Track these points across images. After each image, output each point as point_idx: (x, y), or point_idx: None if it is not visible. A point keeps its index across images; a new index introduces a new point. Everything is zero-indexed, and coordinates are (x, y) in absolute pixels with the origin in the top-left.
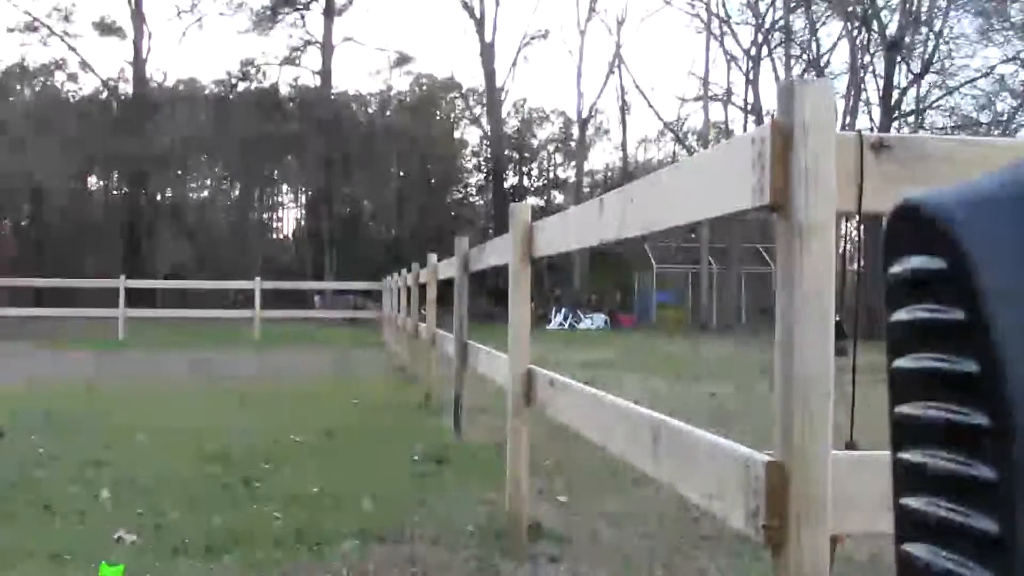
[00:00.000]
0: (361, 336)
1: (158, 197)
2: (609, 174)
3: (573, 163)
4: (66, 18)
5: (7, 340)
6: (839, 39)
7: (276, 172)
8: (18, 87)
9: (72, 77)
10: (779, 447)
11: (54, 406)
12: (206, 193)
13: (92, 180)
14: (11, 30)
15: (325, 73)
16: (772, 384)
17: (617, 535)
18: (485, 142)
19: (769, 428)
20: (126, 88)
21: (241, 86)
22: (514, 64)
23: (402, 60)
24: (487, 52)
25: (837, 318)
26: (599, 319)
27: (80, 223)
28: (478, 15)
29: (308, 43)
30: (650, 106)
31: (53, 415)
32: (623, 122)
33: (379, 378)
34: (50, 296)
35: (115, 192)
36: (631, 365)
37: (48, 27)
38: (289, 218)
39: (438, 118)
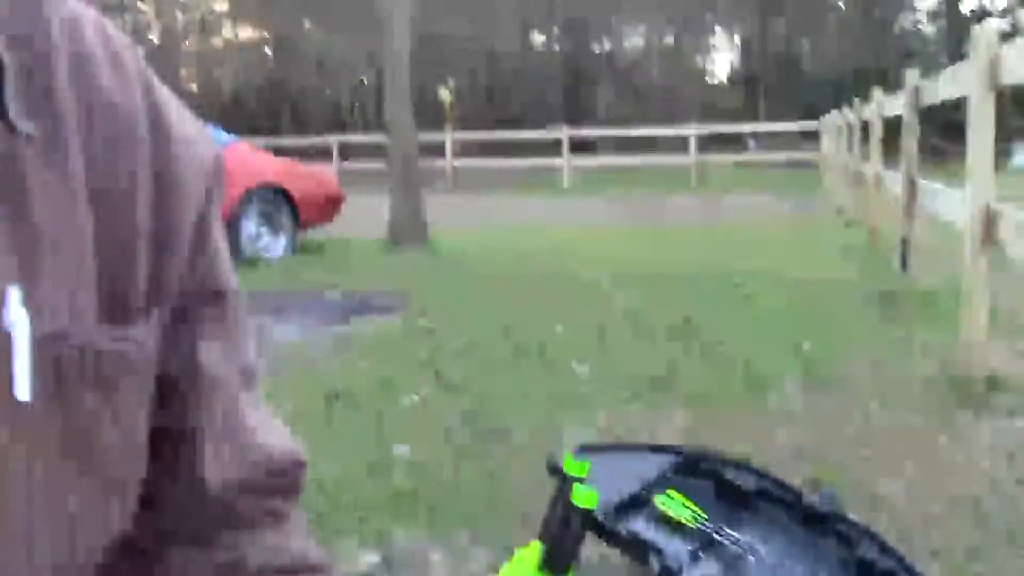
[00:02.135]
0: (798, 178)
1: (596, 50)
2: None
3: None
4: None
5: (471, 190)
6: None
7: (708, 16)
8: None
9: None
10: None
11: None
12: (640, 41)
13: (536, 37)
14: None
15: None
16: None
17: None
18: None
19: None
20: None
21: None
22: None
23: None
24: None
25: None
26: None
27: (524, 78)
28: None
29: None
30: None
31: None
32: None
33: (818, 221)
34: (498, 148)
35: (556, 48)
36: None
37: None
38: (723, 62)
39: None
